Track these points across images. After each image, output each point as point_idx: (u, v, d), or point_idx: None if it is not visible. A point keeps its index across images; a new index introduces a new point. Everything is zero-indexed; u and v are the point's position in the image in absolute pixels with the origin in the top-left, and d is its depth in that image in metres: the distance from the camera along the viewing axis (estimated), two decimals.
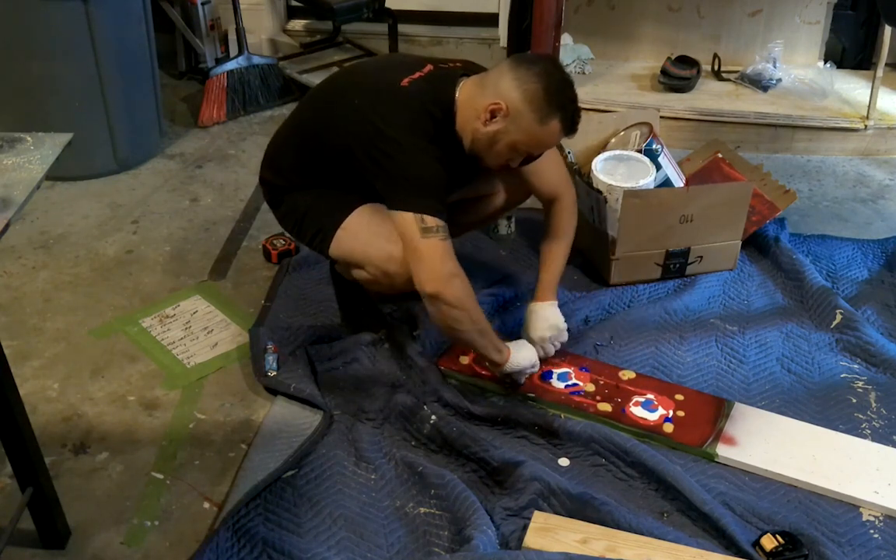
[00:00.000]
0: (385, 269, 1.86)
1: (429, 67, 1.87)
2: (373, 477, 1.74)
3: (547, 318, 2.02)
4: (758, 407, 1.94)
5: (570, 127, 1.80)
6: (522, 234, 2.61)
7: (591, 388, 1.97)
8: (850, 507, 1.69)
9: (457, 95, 1.82)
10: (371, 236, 1.87)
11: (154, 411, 1.94)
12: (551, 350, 2.04)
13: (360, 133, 1.79)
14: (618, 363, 2.07)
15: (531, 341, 2.00)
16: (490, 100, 1.76)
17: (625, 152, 2.46)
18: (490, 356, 1.88)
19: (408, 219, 1.74)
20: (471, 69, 1.91)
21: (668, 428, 1.86)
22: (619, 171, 2.39)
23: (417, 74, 1.83)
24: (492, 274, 2.40)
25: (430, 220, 1.73)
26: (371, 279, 1.90)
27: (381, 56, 2.16)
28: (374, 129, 1.77)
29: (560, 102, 1.76)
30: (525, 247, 2.56)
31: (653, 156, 2.44)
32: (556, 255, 2.07)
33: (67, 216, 2.71)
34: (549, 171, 2.04)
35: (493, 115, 1.76)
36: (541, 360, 2.00)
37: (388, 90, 1.81)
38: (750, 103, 3.25)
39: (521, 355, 1.92)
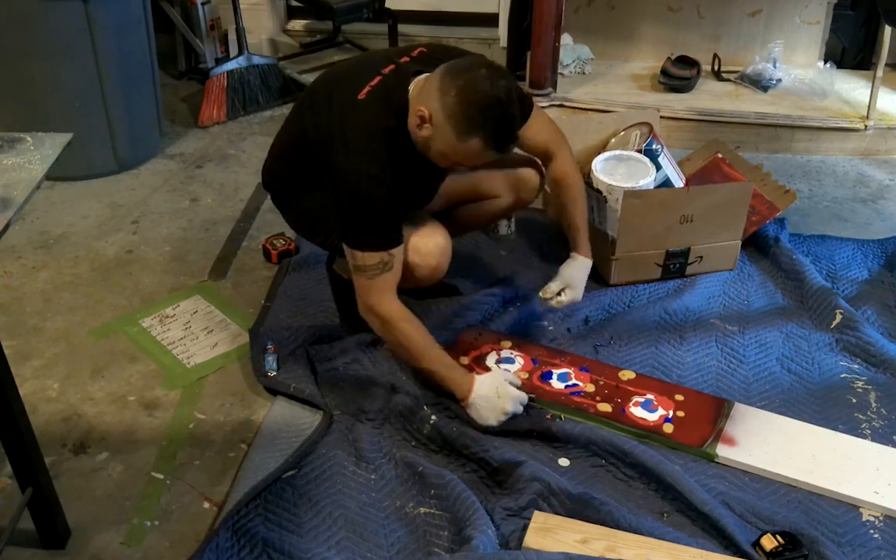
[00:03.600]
0: (407, 260, 1.88)
1: (390, 67, 1.84)
2: (373, 477, 1.74)
3: (587, 269, 2.07)
4: (758, 407, 1.94)
5: (496, 145, 1.72)
6: (522, 235, 2.61)
7: (590, 388, 1.97)
8: (850, 507, 1.69)
9: (410, 94, 1.79)
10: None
11: (154, 411, 1.94)
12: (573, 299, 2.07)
13: (327, 156, 1.80)
14: (618, 363, 2.07)
15: (573, 294, 2.05)
16: (420, 105, 1.73)
17: (625, 152, 2.46)
18: (448, 388, 1.86)
19: (347, 250, 1.81)
20: (434, 56, 1.87)
21: (668, 428, 1.86)
22: (619, 171, 2.39)
23: (376, 80, 1.82)
24: (492, 274, 2.40)
25: (360, 257, 1.79)
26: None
27: (354, 57, 2.14)
28: (330, 162, 1.78)
29: (481, 121, 1.67)
30: (525, 247, 2.56)
31: (653, 156, 2.44)
32: (580, 207, 2.08)
33: (67, 216, 2.71)
34: (538, 134, 2.01)
35: (421, 121, 1.73)
36: (558, 305, 2.05)
37: (348, 107, 1.80)
38: (750, 103, 3.25)
39: (485, 406, 1.81)
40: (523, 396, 1.85)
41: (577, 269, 2.07)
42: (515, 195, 2.15)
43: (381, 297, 1.82)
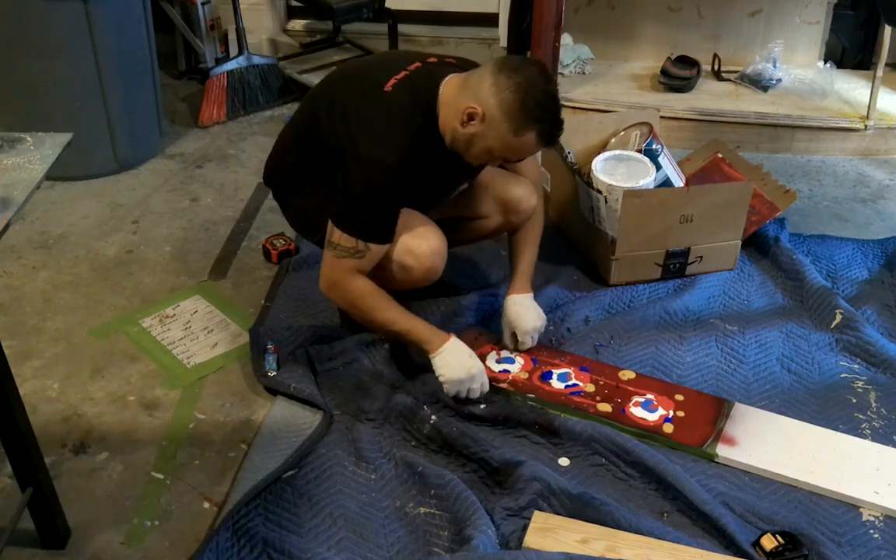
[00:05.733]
0: (402, 262, 1.88)
1: (416, 65, 1.86)
2: (373, 477, 1.74)
3: (535, 307, 2.05)
4: (758, 407, 1.94)
5: (548, 140, 1.78)
6: None
7: (591, 388, 1.97)
8: (850, 507, 1.69)
9: (440, 93, 1.81)
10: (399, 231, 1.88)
11: (154, 411, 1.94)
12: (532, 343, 2.06)
13: (346, 140, 1.80)
14: (618, 363, 2.07)
15: (521, 332, 2.03)
16: (469, 102, 1.74)
17: (625, 152, 2.46)
18: (418, 347, 1.92)
19: (330, 222, 1.82)
20: (466, 66, 1.90)
21: (668, 428, 1.86)
22: (619, 171, 2.39)
23: (403, 74, 1.83)
24: (492, 274, 2.40)
25: (336, 236, 1.81)
26: (384, 273, 1.90)
27: (376, 54, 2.14)
28: (353, 142, 1.78)
29: (537, 116, 1.73)
30: None
31: (653, 156, 2.44)
32: (531, 243, 2.10)
33: (67, 216, 2.71)
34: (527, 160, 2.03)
35: (470, 118, 1.74)
36: (519, 350, 2.05)
37: (372, 96, 1.81)
38: (750, 103, 3.25)
39: (455, 360, 1.85)
40: (487, 383, 1.90)
41: (515, 309, 2.04)
42: (504, 217, 2.10)
43: (344, 275, 1.84)
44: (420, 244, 1.89)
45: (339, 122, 1.83)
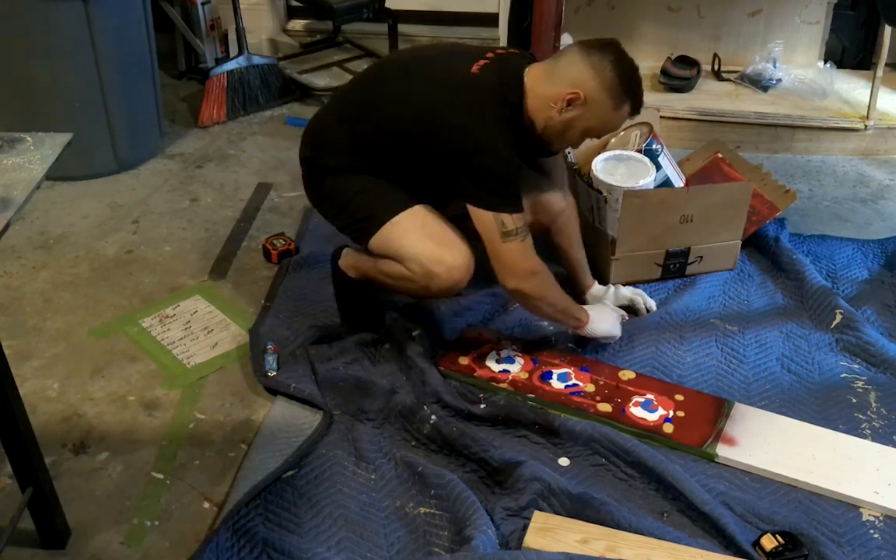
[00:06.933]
0: (430, 269, 1.88)
1: (491, 54, 1.89)
2: (373, 477, 1.74)
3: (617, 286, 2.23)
4: (758, 407, 1.94)
5: (637, 110, 1.89)
6: None
7: (590, 388, 1.97)
8: (850, 507, 1.69)
9: (525, 80, 1.85)
10: (424, 236, 1.89)
11: (154, 411, 1.94)
12: (648, 302, 2.25)
13: (432, 124, 1.81)
14: (618, 363, 2.07)
15: (642, 298, 2.24)
16: (566, 89, 1.80)
17: (625, 152, 2.45)
18: (570, 325, 2.05)
19: (487, 219, 1.82)
20: (526, 56, 1.94)
21: (668, 428, 1.86)
22: (619, 171, 2.39)
23: (484, 61, 1.85)
24: (492, 274, 2.39)
25: (509, 221, 1.81)
26: (408, 276, 1.90)
27: (435, 44, 2.15)
28: (450, 123, 1.79)
29: (632, 88, 1.83)
30: None
31: (653, 156, 2.44)
32: (576, 244, 2.23)
33: (67, 216, 2.71)
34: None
35: (569, 103, 1.80)
36: (635, 312, 2.23)
37: (461, 79, 1.83)
38: (750, 103, 3.25)
39: (601, 324, 2.05)
40: (622, 313, 2.15)
41: (599, 306, 2.14)
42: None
43: (533, 256, 1.88)
44: (453, 255, 1.89)
45: (418, 108, 1.83)
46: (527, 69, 1.86)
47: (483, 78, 1.82)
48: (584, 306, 2.07)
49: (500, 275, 1.88)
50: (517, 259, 1.86)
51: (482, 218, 1.82)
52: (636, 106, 1.87)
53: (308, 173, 2.06)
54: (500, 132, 1.79)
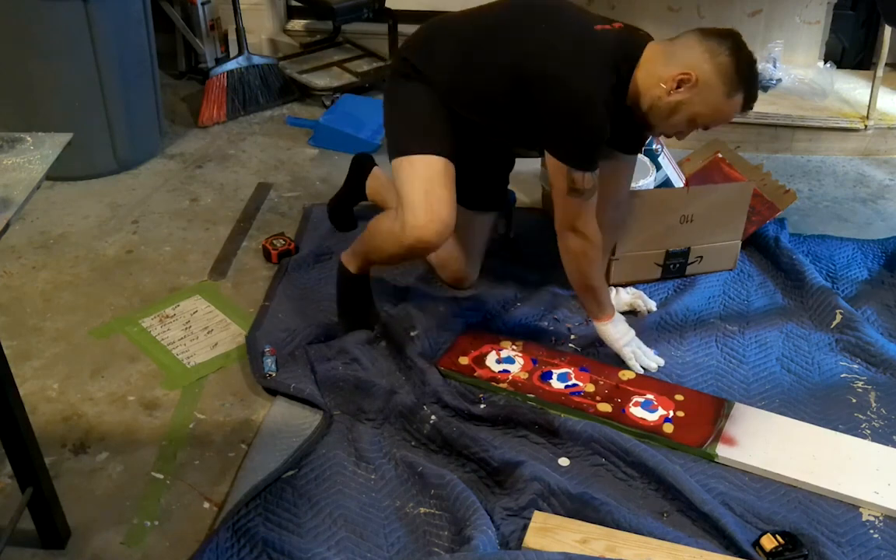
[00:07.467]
0: (404, 216, 1.89)
1: (619, 25, 1.89)
2: (373, 477, 1.74)
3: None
4: (758, 407, 1.94)
5: (750, 103, 1.84)
6: (522, 235, 2.61)
7: (590, 388, 1.97)
8: (850, 507, 1.69)
9: (643, 55, 1.83)
10: (421, 185, 1.90)
11: (154, 411, 1.94)
12: (648, 302, 2.26)
13: (543, 64, 1.80)
14: (618, 363, 2.07)
15: (643, 299, 2.25)
16: (678, 69, 1.77)
17: None
18: (591, 311, 2.05)
19: (560, 169, 1.83)
20: (652, 39, 1.92)
21: (668, 428, 1.86)
22: None
23: (609, 27, 1.85)
24: (492, 274, 2.40)
25: (580, 180, 1.82)
26: (393, 226, 1.92)
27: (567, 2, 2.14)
28: (555, 72, 1.78)
29: (748, 78, 1.78)
30: (525, 246, 2.55)
31: (653, 156, 2.44)
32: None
33: (67, 216, 2.71)
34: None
35: (679, 84, 1.78)
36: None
37: (581, 31, 1.83)
38: None
39: (613, 331, 2.05)
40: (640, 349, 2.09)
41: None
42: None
43: (590, 219, 1.90)
44: (424, 214, 1.89)
45: (532, 45, 1.82)
46: (649, 44, 1.85)
47: (601, 39, 1.82)
48: (613, 316, 2.05)
49: (556, 219, 1.93)
50: (573, 216, 1.89)
51: (556, 166, 1.84)
52: (750, 98, 1.81)
53: (398, 66, 2.03)
54: (601, 96, 1.78)
